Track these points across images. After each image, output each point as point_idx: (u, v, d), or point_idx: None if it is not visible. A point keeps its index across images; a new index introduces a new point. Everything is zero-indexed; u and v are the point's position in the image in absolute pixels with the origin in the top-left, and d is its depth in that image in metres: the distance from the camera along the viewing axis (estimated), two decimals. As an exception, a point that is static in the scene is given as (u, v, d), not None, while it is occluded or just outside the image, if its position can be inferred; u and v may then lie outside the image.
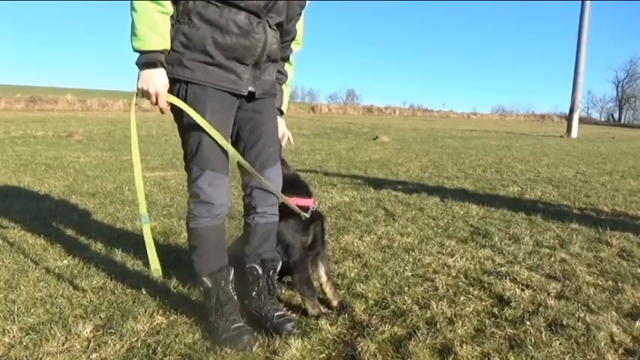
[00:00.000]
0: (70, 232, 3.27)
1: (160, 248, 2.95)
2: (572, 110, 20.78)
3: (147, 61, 1.72)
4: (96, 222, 3.59)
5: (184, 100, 1.79)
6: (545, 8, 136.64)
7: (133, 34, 1.70)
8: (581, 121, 23.77)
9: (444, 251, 3.08)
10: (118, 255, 2.81)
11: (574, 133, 19.90)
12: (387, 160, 8.15)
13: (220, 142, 1.81)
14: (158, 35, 1.70)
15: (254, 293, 2.01)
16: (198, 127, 1.78)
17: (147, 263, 2.67)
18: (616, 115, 69.08)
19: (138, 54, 1.73)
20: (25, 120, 16.42)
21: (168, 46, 1.74)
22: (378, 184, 5.62)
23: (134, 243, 3.06)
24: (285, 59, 2.13)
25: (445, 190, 5.43)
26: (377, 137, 12.18)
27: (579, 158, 9.78)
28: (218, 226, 1.90)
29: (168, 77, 1.76)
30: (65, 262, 2.69)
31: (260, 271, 2.00)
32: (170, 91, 1.79)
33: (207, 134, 1.79)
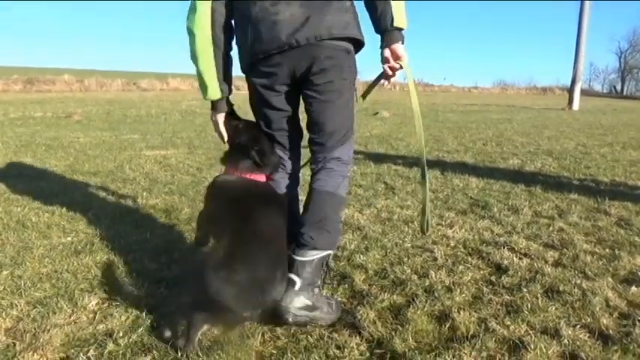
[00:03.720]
0: (72, 210, 3.30)
1: (162, 225, 2.99)
2: (573, 82, 20.52)
3: None
4: (98, 200, 3.62)
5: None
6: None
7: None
8: (583, 93, 23.49)
9: (443, 223, 3.11)
10: (121, 231, 2.84)
11: (575, 106, 19.70)
12: (388, 135, 8.12)
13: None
14: None
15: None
16: None
17: (148, 239, 2.72)
18: (618, 87, 68.32)
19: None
20: (24, 101, 16.31)
21: None
22: (378, 158, 5.63)
23: (136, 220, 3.10)
24: None
25: (445, 163, 5.44)
26: (377, 113, 12.11)
27: (580, 130, 9.74)
28: None
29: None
30: (69, 238, 2.72)
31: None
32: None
33: None
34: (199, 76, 1.85)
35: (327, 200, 1.87)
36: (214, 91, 1.87)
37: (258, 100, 1.90)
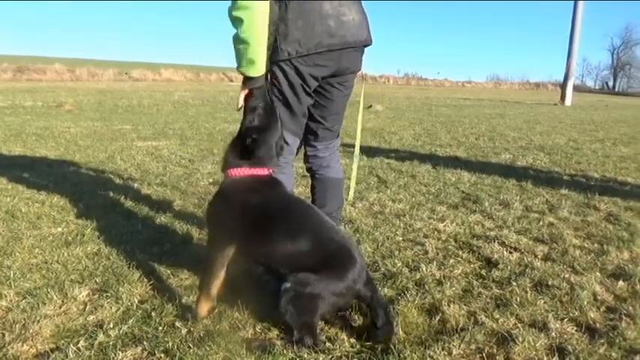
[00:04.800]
0: (63, 200, 3.27)
1: (154, 217, 2.98)
2: (566, 78, 20.65)
3: None
4: (89, 191, 3.59)
5: None
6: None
7: None
8: (576, 89, 23.61)
9: (434, 216, 3.12)
10: (112, 222, 2.82)
11: (568, 101, 19.84)
12: (381, 129, 8.13)
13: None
14: None
15: None
16: None
17: (139, 231, 2.71)
18: (610, 83, 68.78)
19: None
20: (13, 90, 16.09)
21: None
22: (371, 152, 5.63)
23: (128, 211, 3.08)
24: None
25: (437, 157, 5.46)
26: (370, 106, 12.09)
27: (572, 126, 9.81)
28: None
29: None
30: (59, 229, 2.70)
31: None
32: None
33: None
34: (248, 51, 1.77)
35: (341, 186, 2.32)
36: (260, 68, 1.82)
37: (298, 87, 1.97)
